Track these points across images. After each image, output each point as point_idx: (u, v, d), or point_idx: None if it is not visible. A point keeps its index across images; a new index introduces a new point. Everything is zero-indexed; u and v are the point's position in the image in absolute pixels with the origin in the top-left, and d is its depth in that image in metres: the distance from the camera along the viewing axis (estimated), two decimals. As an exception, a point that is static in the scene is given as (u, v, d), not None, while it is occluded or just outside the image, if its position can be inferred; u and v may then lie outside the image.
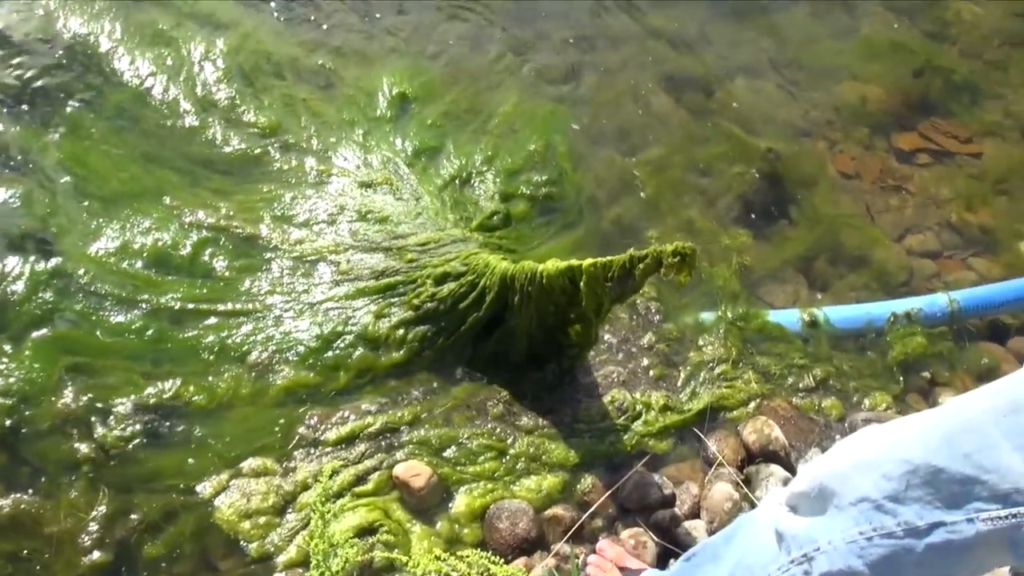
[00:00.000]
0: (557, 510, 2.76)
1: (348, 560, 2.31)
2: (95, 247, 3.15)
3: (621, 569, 2.48)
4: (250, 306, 3.12)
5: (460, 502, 2.78)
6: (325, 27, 4.29)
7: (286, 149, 3.68)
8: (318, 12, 4.34)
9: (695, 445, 3.04)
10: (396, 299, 3.22)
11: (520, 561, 2.61)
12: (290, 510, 2.70)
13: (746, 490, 2.83)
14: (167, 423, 2.78)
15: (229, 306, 3.12)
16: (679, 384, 3.23)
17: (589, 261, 2.69)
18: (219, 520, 2.64)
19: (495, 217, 3.61)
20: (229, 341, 3.03)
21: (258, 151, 3.65)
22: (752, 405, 3.16)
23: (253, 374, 2.96)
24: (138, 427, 2.75)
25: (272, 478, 2.75)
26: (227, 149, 3.61)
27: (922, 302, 3.48)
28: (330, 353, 3.07)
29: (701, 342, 3.36)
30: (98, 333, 2.93)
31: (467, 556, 2.55)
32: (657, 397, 3.15)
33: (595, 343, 3.06)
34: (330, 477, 2.72)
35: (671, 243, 2.52)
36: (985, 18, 5.27)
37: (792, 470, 2.93)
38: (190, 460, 2.74)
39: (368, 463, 2.83)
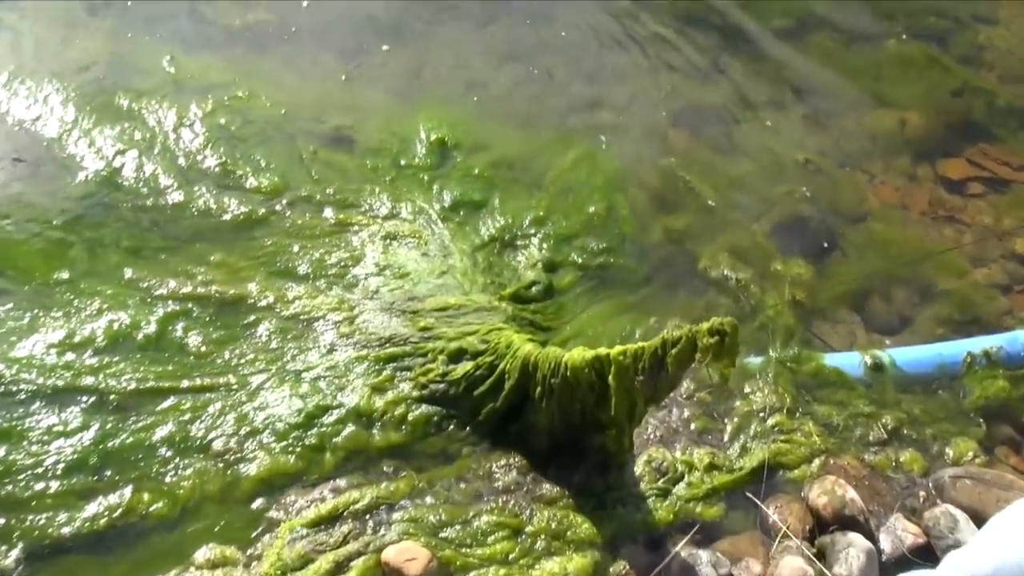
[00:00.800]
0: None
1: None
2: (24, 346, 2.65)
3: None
4: (221, 380, 2.64)
5: (468, 596, 2.22)
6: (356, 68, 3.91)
7: (293, 205, 3.29)
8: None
9: (751, 512, 2.50)
10: (401, 373, 2.73)
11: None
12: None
13: (821, 566, 2.28)
14: (116, 546, 2.26)
15: (196, 382, 2.64)
16: (726, 438, 2.72)
17: (617, 349, 2.27)
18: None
19: (533, 288, 3.13)
20: (192, 427, 2.53)
21: (262, 211, 3.24)
22: (816, 463, 2.63)
23: (220, 465, 2.45)
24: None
25: (232, 569, 2.20)
26: (224, 217, 3.20)
27: (1001, 340, 3.01)
28: (314, 431, 2.57)
29: (748, 389, 2.85)
30: (24, 446, 2.41)
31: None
32: (701, 455, 2.63)
33: (629, 452, 2.55)
34: (304, 565, 2.17)
35: (706, 322, 2.12)
36: (1019, 44, 4.86)
37: (873, 539, 2.38)
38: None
39: (352, 546, 2.29)
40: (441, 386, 2.68)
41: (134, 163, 3.30)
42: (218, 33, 4.00)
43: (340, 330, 2.84)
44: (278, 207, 3.25)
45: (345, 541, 2.32)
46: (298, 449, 2.50)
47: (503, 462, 2.56)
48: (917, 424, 2.81)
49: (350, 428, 2.57)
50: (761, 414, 2.77)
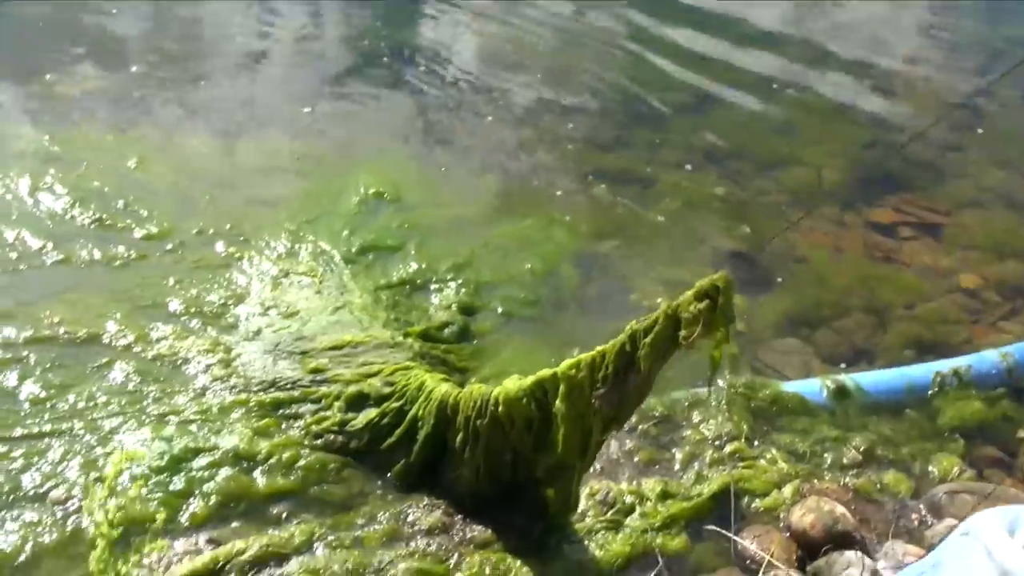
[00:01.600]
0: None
1: None
2: None
3: None
4: (63, 426, 2.12)
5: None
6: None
7: (182, 245, 2.99)
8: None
9: (721, 546, 2.08)
10: (288, 421, 2.28)
11: None
12: None
13: (819, 592, 1.86)
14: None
15: (31, 429, 2.16)
16: (677, 467, 2.34)
17: (567, 363, 1.85)
18: None
19: (446, 329, 2.76)
20: (24, 477, 2.04)
21: (140, 253, 2.92)
22: (788, 488, 2.25)
23: (60, 515, 1.91)
24: None
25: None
26: (96, 261, 2.85)
27: (970, 360, 2.74)
28: (181, 475, 2.05)
29: (697, 418, 2.48)
30: None
31: None
32: (651, 484, 2.23)
33: (576, 507, 2.09)
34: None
35: (689, 289, 1.67)
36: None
37: (873, 559, 1.98)
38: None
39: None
40: (340, 438, 2.23)
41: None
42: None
43: (213, 373, 2.42)
44: (165, 248, 2.94)
45: (226, 605, 1.80)
46: (159, 495, 2.00)
47: (424, 502, 2.10)
48: (891, 445, 2.48)
49: (226, 472, 2.11)
50: (716, 442, 2.40)
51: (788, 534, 2.09)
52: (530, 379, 1.92)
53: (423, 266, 3.01)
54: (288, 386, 2.37)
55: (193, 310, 2.64)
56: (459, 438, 2.08)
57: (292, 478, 2.12)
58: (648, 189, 3.81)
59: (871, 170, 4.15)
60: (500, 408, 1.96)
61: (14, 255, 2.81)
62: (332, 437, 2.24)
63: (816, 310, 3.10)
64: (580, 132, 4.26)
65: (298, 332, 2.57)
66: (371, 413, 2.26)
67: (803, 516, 2.08)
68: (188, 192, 3.28)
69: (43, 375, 2.31)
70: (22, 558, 1.84)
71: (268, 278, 2.84)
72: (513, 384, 1.96)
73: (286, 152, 3.67)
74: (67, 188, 3.18)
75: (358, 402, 2.31)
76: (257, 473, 2.12)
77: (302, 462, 2.16)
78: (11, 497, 1.96)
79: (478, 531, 2.04)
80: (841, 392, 2.61)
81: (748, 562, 2.03)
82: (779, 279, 3.25)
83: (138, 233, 3.01)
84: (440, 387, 2.18)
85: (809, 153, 4.28)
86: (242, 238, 3.05)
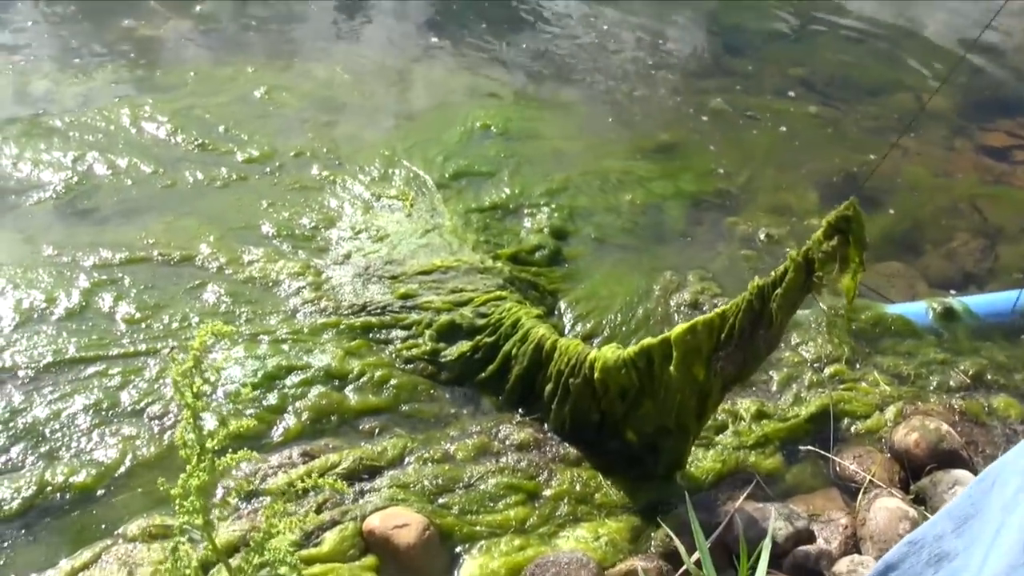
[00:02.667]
0: (634, 563, 1.71)
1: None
2: None
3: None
4: (160, 345, 2.15)
5: (472, 566, 1.73)
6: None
7: (281, 169, 3.03)
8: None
9: (819, 467, 2.02)
10: (378, 345, 2.29)
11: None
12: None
13: (923, 511, 1.78)
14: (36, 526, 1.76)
15: (126, 348, 2.19)
16: (774, 388, 2.24)
17: (681, 328, 1.77)
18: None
19: (537, 252, 2.71)
20: (122, 394, 2.07)
21: (240, 175, 2.96)
22: (891, 410, 2.15)
23: (156, 430, 1.94)
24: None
25: (169, 541, 1.69)
26: (192, 184, 2.90)
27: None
28: (275, 393, 2.07)
29: (796, 340, 2.38)
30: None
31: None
32: (746, 404, 2.15)
33: (685, 465, 2.02)
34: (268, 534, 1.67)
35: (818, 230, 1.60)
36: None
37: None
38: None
39: (326, 515, 1.79)
40: (430, 367, 2.22)
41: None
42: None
43: (304, 295, 2.42)
44: (264, 171, 2.98)
45: (319, 511, 1.82)
46: (254, 411, 2.02)
47: (515, 419, 2.08)
48: (1003, 370, 2.35)
49: (318, 389, 2.12)
50: (815, 365, 2.31)
51: (890, 454, 2.01)
52: (632, 348, 1.86)
53: (516, 191, 2.98)
54: (378, 311, 2.37)
55: (285, 233, 2.66)
56: (548, 388, 2.06)
57: (384, 396, 2.12)
58: (750, 118, 3.67)
59: (981, 95, 3.93)
60: (596, 374, 1.91)
61: (128, 181, 2.86)
62: (423, 365, 2.23)
63: (923, 233, 2.97)
64: (682, 64, 4.14)
65: (388, 256, 2.56)
66: (464, 346, 2.26)
67: (907, 435, 2.00)
68: (288, 119, 3.31)
69: (138, 296, 2.35)
70: (122, 469, 1.89)
71: (360, 202, 2.85)
72: (612, 352, 1.91)
73: (387, 83, 3.65)
74: (167, 117, 3.22)
75: (450, 332, 2.30)
76: (349, 390, 2.13)
77: (393, 381, 2.16)
78: (110, 413, 2.01)
79: (570, 450, 2.01)
80: (948, 315, 2.50)
81: (848, 483, 1.95)
82: (884, 202, 3.11)
83: (239, 156, 3.05)
84: (537, 329, 2.15)
85: (915, 78, 4.07)
86: (338, 162, 3.07)
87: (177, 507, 0.94)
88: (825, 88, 3.94)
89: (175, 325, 2.26)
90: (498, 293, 2.39)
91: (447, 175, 3.06)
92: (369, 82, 3.64)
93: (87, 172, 2.87)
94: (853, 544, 1.75)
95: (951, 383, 2.29)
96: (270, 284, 2.45)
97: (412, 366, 2.23)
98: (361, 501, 1.84)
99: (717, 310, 1.75)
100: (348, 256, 2.58)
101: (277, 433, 2.01)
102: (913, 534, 1.10)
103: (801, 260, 1.61)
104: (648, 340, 1.83)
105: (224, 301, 2.37)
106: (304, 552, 1.71)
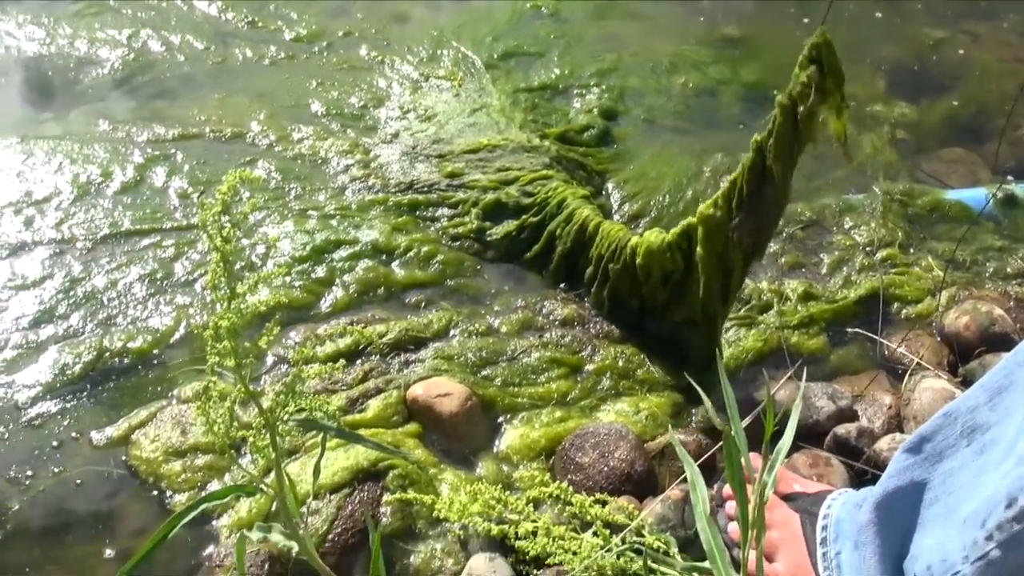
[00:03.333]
0: (672, 435, 1.70)
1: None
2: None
3: (785, 497, 1.42)
4: (211, 219, 2.15)
5: (513, 435, 1.76)
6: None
7: (329, 48, 3.02)
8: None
9: (866, 349, 2.00)
10: (425, 222, 2.30)
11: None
12: (245, 451, 1.68)
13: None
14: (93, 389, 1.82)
15: (179, 221, 2.24)
16: (824, 271, 2.21)
17: (704, 204, 1.73)
18: (135, 461, 1.64)
19: (586, 132, 2.66)
20: (176, 265, 2.12)
21: (289, 54, 2.97)
22: (944, 295, 2.10)
23: (208, 299, 1.99)
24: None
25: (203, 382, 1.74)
26: (243, 62, 2.91)
27: None
28: (323, 266, 2.10)
29: (849, 224, 2.33)
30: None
31: (535, 493, 1.53)
32: (794, 285, 2.11)
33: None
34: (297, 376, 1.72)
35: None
36: None
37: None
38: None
39: (371, 383, 1.82)
40: (476, 244, 2.21)
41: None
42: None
43: (352, 172, 2.42)
44: (312, 50, 2.98)
45: (364, 379, 1.86)
46: (303, 282, 2.05)
47: (558, 296, 2.08)
48: None
49: (365, 263, 2.13)
50: (867, 248, 2.27)
51: (940, 338, 1.98)
52: (675, 230, 1.82)
53: (566, 72, 2.92)
54: (425, 189, 2.36)
55: (334, 112, 2.65)
56: (588, 271, 2.06)
57: (430, 271, 2.14)
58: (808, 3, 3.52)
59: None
60: (638, 260, 1.89)
61: (181, 57, 2.87)
62: (469, 243, 2.23)
63: (988, 119, 2.84)
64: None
65: (435, 135, 2.55)
66: (510, 225, 2.25)
67: (957, 318, 1.96)
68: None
69: (191, 172, 2.37)
70: (176, 336, 1.94)
71: (408, 82, 2.82)
72: (655, 236, 1.87)
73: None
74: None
75: (496, 211, 2.30)
76: (396, 265, 2.15)
77: (440, 257, 2.17)
78: (165, 283, 2.05)
79: (613, 328, 2.01)
80: (1010, 201, 2.42)
81: (895, 365, 1.93)
82: (950, 87, 2.99)
83: (288, 35, 3.03)
84: (581, 210, 2.13)
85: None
86: (386, 43, 3.03)
87: (208, 348, 0.95)
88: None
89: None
90: (544, 172, 2.37)
91: (496, 55, 3.01)
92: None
93: (141, 49, 2.87)
94: (896, 423, 1.74)
95: (1008, 269, 2.23)
96: (319, 161, 2.45)
97: (458, 244, 2.23)
98: (406, 371, 1.87)
99: (728, 178, 1.71)
100: (396, 135, 2.57)
101: (325, 304, 2.04)
102: (948, 406, 1.09)
103: (787, 102, 1.56)
104: (689, 219, 1.80)
105: (274, 177, 2.38)
106: (349, 418, 1.76)
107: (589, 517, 1.51)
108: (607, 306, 2.02)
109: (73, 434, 1.71)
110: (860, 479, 1.59)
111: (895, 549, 1.11)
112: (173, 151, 2.43)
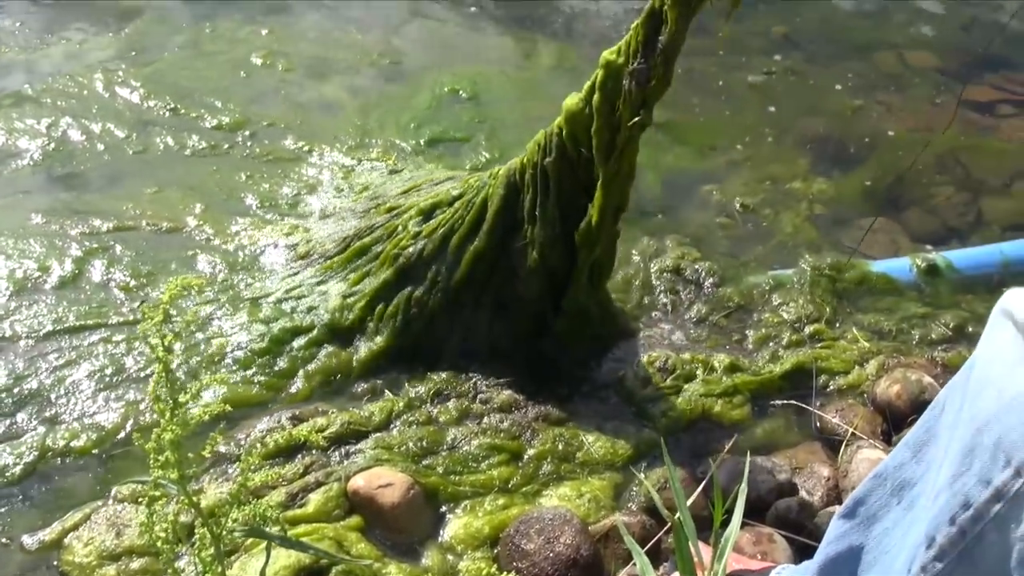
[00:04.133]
0: (618, 518, 1.72)
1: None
2: None
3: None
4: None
5: (457, 525, 1.75)
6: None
7: (255, 136, 3.03)
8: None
9: (800, 420, 2.04)
10: (371, 265, 2.26)
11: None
12: (184, 552, 1.64)
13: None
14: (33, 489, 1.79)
15: (125, 316, 2.22)
16: (750, 347, 2.26)
17: (608, 51, 1.77)
18: (67, 567, 1.59)
19: None
20: (126, 360, 2.09)
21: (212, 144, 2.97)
22: (872, 364, 2.17)
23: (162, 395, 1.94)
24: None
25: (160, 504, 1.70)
26: (169, 153, 2.90)
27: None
28: (284, 357, 2.11)
29: (777, 300, 2.39)
30: None
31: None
32: (720, 357, 2.16)
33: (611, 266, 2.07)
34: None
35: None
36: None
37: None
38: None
39: (311, 477, 1.80)
40: (413, 248, 2.16)
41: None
42: None
43: (297, 251, 2.42)
44: (235, 140, 2.98)
45: (305, 473, 1.84)
46: (264, 376, 2.07)
47: (492, 380, 2.09)
48: (984, 322, 2.33)
49: (327, 349, 2.14)
50: (795, 325, 2.32)
51: (872, 407, 2.03)
52: (585, 85, 1.83)
53: (495, 155, 2.97)
54: (367, 231, 2.34)
55: (268, 203, 2.67)
56: (528, 198, 1.99)
57: (384, 336, 2.15)
58: (728, 75, 3.66)
59: (969, 51, 3.92)
60: (564, 130, 1.86)
61: (101, 146, 2.87)
62: (407, 252, 2.17)
63: (904, 188, 2.96)
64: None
65: (372, 195, 2.59)
66: (445, 214, 2.18)
67: (888, 387, 2.01)
68: (259, 87, 3.30)
69: (131, 264, 2.36)
70: (122, 434, 1.91)
71: (339, 167, 2.85)
72: (571, 98, 1.86)
73: (369, 51, 3.61)
74: (140, 82, 3.21)
75: (430, 212, 2.24)
76: (356, 343, 2.15)
77: (389, 309, 2.16)
78: (114, 378, 2.03)
79: (552, 409, 2.03)
80: (932, 270, 2.51)
81: (830, 436, 1.97)
82: (866, 158, 3.12)
83: (210, 123, 3.04)
84: (509, 164, 2.07)
85: (899, 35, 4.06)
86: (311, 132, 3.06)
87: (151, 462, 0.95)
88: (805, 46, 3.92)
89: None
90: (479, 175, 2.28)
91: (422, 141, 3.06)
92: (320, 48, 3.63)
93: (61, 138, 2.88)
94: (835, 495, 1.77)
95: (932, 336, 2.30)
96: (260, 251, 2.45)
97: (399, 264, 2.19)
98: (346, 462, 1.86)
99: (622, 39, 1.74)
100: (335, 210, 2.58)
101: (280, 397, 2.03)
102: (877, 468, 1.12)
103: None
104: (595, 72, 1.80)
105: (220, 269, 2.39)
106: (289, 513, 1.73)
107: (536, 607, 1.50)
108: (559, 224, 1.96)
109: (4, 540, 1.66)
110: (803, 553, 1.60)
111: None
112: (111, 243, 2.43)
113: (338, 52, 3.60)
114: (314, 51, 3.59)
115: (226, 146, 2.92)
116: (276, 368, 2.08)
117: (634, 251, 2.54)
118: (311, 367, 2.08)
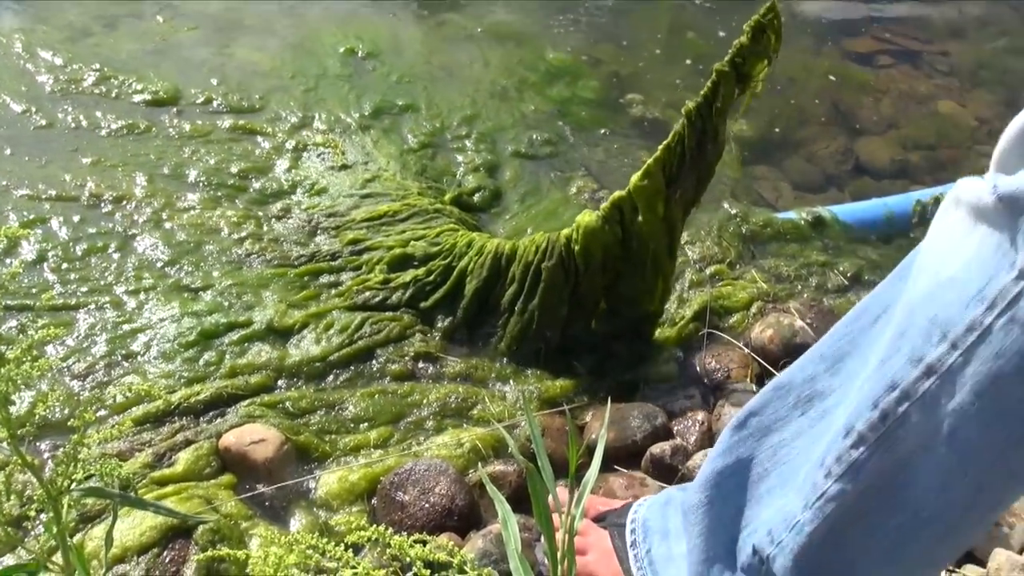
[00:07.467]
0: (493, 467, 1.71)
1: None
2: None
3: (597, 519, 1.43)
4: (90, 300, 2.07)
5: (332, 480, 1.71)
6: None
7: (185, 113, 2.83)
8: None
9: (682, 363, 2.03)
10: (326, 292, 2.19)
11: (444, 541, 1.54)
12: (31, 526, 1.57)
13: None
14: None
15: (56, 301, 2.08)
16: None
17: (636, 176, 1.84)
18: None
19: (477, 195, 2.65)
20: (49, 348, 1.93)
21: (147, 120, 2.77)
22: (755, 307, 2.18)
23: (76, 389, 1.87)
24: None
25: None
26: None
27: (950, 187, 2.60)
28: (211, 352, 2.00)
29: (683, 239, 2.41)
30: None
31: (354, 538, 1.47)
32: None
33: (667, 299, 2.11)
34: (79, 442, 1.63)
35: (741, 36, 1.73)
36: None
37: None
38: None
39: (180, 437, 1.74)
40: (381, 295, 2.15)
41: None
42: None
43: (247, 246, 2.30)
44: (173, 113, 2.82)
45: (175, 434, 1.78)
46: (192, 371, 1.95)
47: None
48: (879, 269, 2.42)
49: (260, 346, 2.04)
50: (698, 265, 2.34)
51: (748, 351, 2.06)
52: (603, 207, 1.89)
53: (437, 124, 2.89)
54: (327, 258, 2.27)
55: (216, 181, 2.53)
56: (510, 292, 2.03)
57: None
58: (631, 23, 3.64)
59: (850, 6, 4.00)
60: (576, 246, 1.91)
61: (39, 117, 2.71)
62: (373, 293, 2.15)
63: (786, 137, 3.00)
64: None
65: (330, 208, 2.47)
66: (417, 271, 2.18)
67: (761, 332, 2.04)
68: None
69: (65, 241, 2.24)
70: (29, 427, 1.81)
71: (285, 151, 2.72)
72: (588, 216, 1.91)
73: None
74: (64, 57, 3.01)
75: (402, 262, 2.22)
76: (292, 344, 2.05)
77: (340, 325, 2.08)
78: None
79: (459, 366, 2.01)
80: (818, 224, 2.55)
81: (709, 379, 2.00)
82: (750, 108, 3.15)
83: (140, 97, 2.87)
84: (493, 241, 2.12)
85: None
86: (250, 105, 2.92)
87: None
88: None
89: (110, 277, 2.16)
90: (451, 224, 2.34)
91: (367, 114, 2.94)
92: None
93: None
94: (709, 439, 1.78)
95: (828, 284, 2.34)
96: (210, 232, 2.35)
97: (362, 299, 2.15)
98: (217, 421, 1.80)
99: (661, 145, 1.80)
100: (288, 210, 2.47)
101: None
102: (778, 379, 1.06)
103: (730, 70, 1.71)
104: (617, 193, 1.87)
105: (161, 253, 2.27)
106: (156, 473, 1.68)
107: (408, 558, 1.48)
108: (534, 323, 1.99)
109: None
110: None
111: (727, 528, 1.06)
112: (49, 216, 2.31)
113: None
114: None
115: (163, 118, 2.77)
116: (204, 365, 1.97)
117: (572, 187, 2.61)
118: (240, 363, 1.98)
